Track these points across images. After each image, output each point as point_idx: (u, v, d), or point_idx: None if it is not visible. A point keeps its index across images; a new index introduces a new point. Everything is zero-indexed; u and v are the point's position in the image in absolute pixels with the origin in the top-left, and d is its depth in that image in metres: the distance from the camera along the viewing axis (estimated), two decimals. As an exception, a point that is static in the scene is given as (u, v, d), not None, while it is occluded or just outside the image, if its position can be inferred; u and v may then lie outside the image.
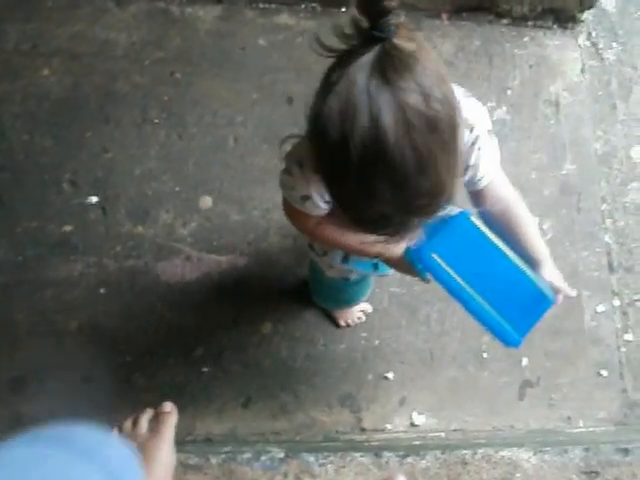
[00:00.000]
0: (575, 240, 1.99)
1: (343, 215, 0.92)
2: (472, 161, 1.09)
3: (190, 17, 2.08)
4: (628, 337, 1.94)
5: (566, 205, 2.01)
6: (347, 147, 0.79)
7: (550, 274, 1.19)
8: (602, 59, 2.18)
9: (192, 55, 2.06)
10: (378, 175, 0.80)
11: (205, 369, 1.82)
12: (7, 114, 2.01)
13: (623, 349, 1.93)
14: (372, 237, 1.03)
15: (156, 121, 2.00)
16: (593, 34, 2.20)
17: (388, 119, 0.77)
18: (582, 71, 2.15)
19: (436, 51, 2.10)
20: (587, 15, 2.18)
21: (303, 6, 2.11)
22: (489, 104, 2.06)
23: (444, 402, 1.84)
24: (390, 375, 1.83)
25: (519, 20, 2.15)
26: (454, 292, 1.12)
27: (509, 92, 2.09)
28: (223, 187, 1.95)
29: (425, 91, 0.78)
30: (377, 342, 1.86)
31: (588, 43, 2.19)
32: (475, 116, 1.07)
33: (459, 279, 1.10)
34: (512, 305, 1.13)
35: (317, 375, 1.83)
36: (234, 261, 1.90)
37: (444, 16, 2.15)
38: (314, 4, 2.11)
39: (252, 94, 2.03)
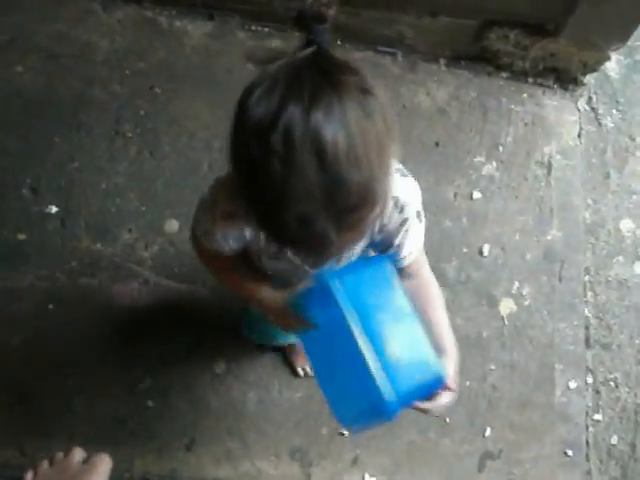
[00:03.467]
0: (554, 310, 2.09)
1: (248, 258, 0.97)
2: (397, 241, 1.17)
3: (178, 31, 2.18)
4: (598, 417, 2.04)
5: (548, 272, 2.12)
6: (275, 127, 0.80)
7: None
8: (600, 125, 2.31)
9: (175, 71, 2.15)
10: (305, 159, 0.80)
11: (150, 403, 1.88)
12: (-27, 108, 2.08)
13: (591, 429, 2.03)
14: (266, 289, 1.17)
15: (129, 135, 2.08)
16: (594, 99, 2.34)
17: (324, 101, 0.80)
18: (578, 135, 2.28)
19: (430, 97, 2.22)
20: (589, 79, 2.33)
21: (297, 33, 2.21)
22: (479, 158, 2.18)
23: (399, 466, 1.91)
24: (345, 431, 1.90)
25: (519, 75, 2.29)
26: (338, 327, 1.10)
27: (501, 148, 2.21)
28: (191, 212, 2.00)
29: (364, 86, 0.84)
30: (335, 394, 1.92)
31: (587, 107, 2.33)
32: (408, 197, 1.14)
33: (351, 316, 1.09)
34: (403, 363, 1.10)
35: (268, 423, 1.89)
36: (194, 291, 1.98)
37: (442, 62, 2.28)
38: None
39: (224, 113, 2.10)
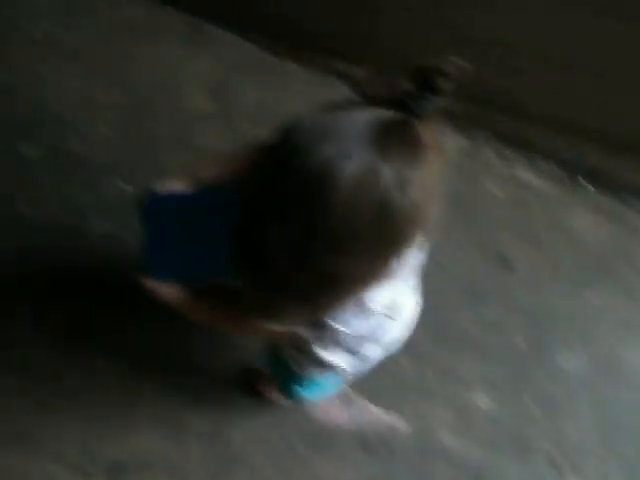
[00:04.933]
0: None
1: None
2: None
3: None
4: None
5: None
6: (301, 161, 0.78)
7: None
8: None
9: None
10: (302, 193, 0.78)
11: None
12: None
13: None
14: None
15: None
16: None
17: (354, 169, 0.77)
18: None
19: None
20: None
21: (547, 166, 2.16)
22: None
23: None
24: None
25: None
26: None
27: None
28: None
29: (404, 182, 0.79)
30: None
31: None
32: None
33: None
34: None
35: None
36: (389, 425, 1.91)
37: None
38: (560, 169, 2.16)
39: (468, 242, 2.07)
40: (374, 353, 1.40)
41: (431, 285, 1.99)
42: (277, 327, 1.12)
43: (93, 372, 1.88)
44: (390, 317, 1.26)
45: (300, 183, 0.78)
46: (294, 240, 0.79)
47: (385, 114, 0.80)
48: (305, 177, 0.77)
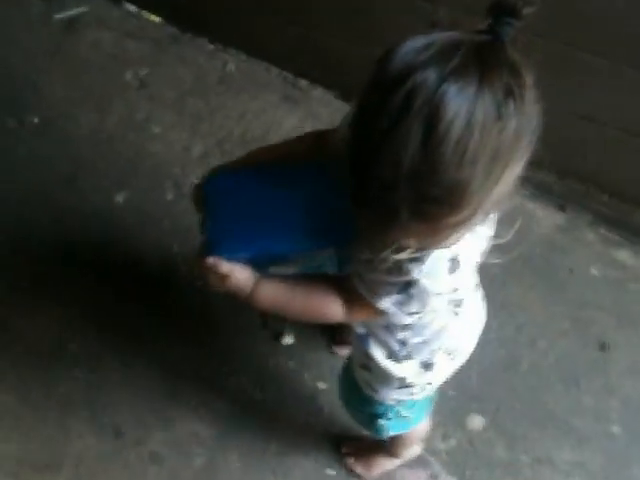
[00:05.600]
0: None
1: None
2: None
3: (528, 213, 2.09)
4: None
5: None
6: (403, 83, 0.80)
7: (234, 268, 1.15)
8: None
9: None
10: (413, 128, 0.79)
11: None
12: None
13: None
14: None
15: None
16: None
17: (463, 81, 0.79)
18: None
19: None
20: None
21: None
22: None
23: None
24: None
25: None
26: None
27: None
28: (499, 412, 1.89)
29: (513, 89, 0.81)
30: None
31: None
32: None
33: None
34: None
35: None
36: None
37: None
38: (660, 253, 2.11)
39: (564, 322, 2.00)
40: (443, 364, 1.34)
41: (527, 366, 1.97)
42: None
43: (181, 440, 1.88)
44: (454, 311, 1.21)
45: (412, 111, 0.79)
46: (413, 162, 0.81)
47: (475, 38, 0.82)
48: (416, 105, 0.79)
